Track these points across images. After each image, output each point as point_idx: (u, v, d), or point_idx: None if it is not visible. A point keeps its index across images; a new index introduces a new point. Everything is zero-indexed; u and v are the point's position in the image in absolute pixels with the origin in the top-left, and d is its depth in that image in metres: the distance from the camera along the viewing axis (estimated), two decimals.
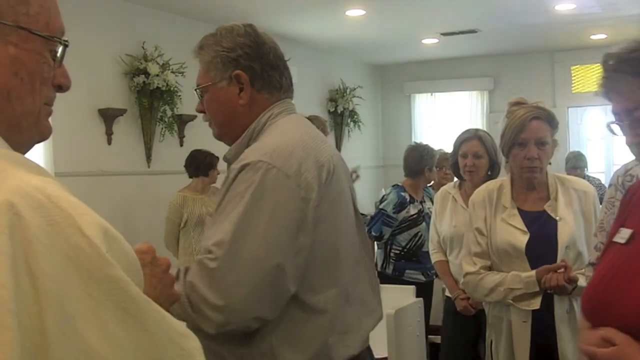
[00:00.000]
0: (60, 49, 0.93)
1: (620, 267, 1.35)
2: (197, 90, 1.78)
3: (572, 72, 9.04)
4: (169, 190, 5.23)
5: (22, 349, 0.64)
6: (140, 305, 0.73)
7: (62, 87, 0.95)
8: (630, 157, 2.04)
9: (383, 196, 4.77)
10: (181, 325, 0.81)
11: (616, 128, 1.40)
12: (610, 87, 1.38)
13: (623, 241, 1.43)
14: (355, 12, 6.38)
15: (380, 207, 4.59)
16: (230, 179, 1.60)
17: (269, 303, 1.54)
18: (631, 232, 1.42)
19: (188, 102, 5.72)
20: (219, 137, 1.81)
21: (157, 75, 5.45)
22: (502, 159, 2.91)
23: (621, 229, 1.47)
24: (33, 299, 0.66)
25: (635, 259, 1.36)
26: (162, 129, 5.73)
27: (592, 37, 8.03)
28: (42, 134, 0.93)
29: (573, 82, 9.06)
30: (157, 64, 5.50)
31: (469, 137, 3.60)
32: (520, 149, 2.56)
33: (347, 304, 1.66)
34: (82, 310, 0.68)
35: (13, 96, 0.86)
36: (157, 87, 5.45)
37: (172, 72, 5.56)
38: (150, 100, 5.54)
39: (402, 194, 4.55)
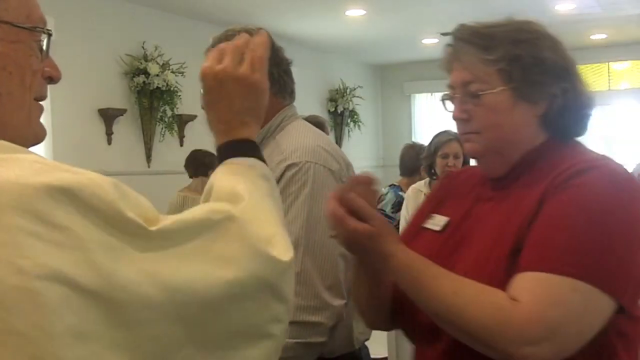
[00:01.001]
0: (45, 40, 0.93)
1: (437, 255, 1.30)
2: None
3: None
4: (169, 190, 5.23)
5: (65, 304, 0.67)
6: (161, 233, 0.78)
7: (52, 79, 0.95)
8: (631, 158, 2.02)
9: (380, 196, 4.78)
10: (204, 206, 0.87)
11: (448, 103, 1.35)
12: (455, 56, 1.33)
13: (438, 228, 1.39)
14: (355, 12, 6.38)
15: (379, 207, 4.60)
16: (275, 178, 1.66)
17: (342, 290, 1.68)
18: (447, 220, 1.39)
19: (188, 102, 5.72)
20: None
21: (157, 75, 5.45)
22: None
23: (434, 215, 1.43)
24: (74, 247, 0.69)
25: (451, 247, 1.33)
26: (162, 129, 5.74)
27: (592, 37, 8.02)
28: (37, 135, 0.94)
29: None
30: (157, 64, 5.50)
31: (451, 139, 3.83)
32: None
33: None
34: (115, 244, 0.73)
35: (3, 92, 0.86)
36: (157, 87, 5.46)
37: (172, 72, 5.56)
38: (150, 100, 5.54)
39: (400, 193, 4.57)
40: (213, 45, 1.82)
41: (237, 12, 6.10)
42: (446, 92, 1.36)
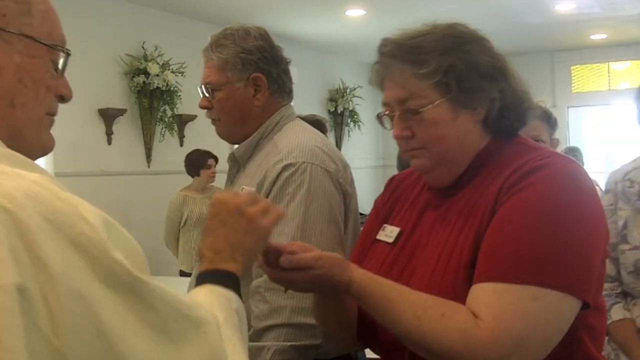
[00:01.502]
0: (62, 59, 0.95)
1: (391, 269, 1.30)
2: (207, 87, 1.81)
3: (572, 72, 9.05)
4: (169, 190, 5.23)
5: (31, 335, 0.65)
6: (144, 284, 0.75)
7: (64, 98, 0.98)
8: (630, 157, 2.00)
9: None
10: (187, 296, 0.84)
11: (386, 120, 1.32)
12: (384, 74, 1.29)
13: (390, 240, 1.37)
14: (355, 12, 6.39)
15: None
16: (272, 178, 1.65)
17: None
18: (398, 231, 1.37)
19: (188, 102, 5.72)
20: (226, 135, 1.86)
21: (157, 75, 5.45)
22: None
23: (385, 225, 1.41)
24: (42, 284, 0.67)
25: (404, 260, 1.31)
26: (162, 129, 5.73)
27: (592, 37, 8.02)
28: (44, 147, 0.95)
29: (573, 82, 9.07)
30: (157, 64, 5.50)
31: None
32: None
33: None
34: (92, 292, 0.70)
35: (17, 103, 0.88)
36: (157, 87, 5.45)
37: (172, 72, 5.56)
38: (150, 100, 5.54)
39: None
40: (211, 44, 1.82)
41: (237, 12, 6.10)
42: (382, 111, 1.32)
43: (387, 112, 1.31)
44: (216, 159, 5.26)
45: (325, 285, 1.23)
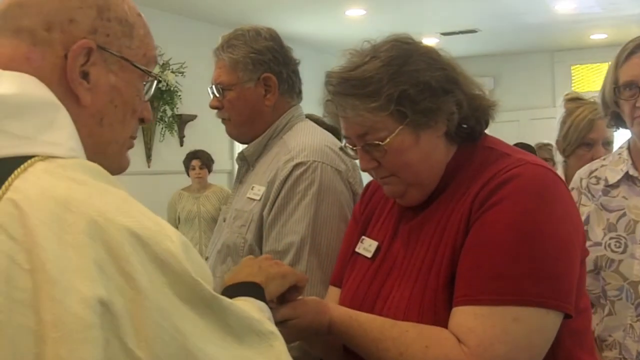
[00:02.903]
0: (150, 84, 0.99)
1: (370, 285, 1.30)
2: (218, 87, 1.82)
3: (572, 72, 9.04)
4: (169, 190, 5.24)
5: (111, 347, 0.67)
6: (220, 302, 0.79)
7: (144, 121, 1.00)
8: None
9: None
10: (255, 312, 0.88)
11: (350, 151, 1.31)
12: (337, 111, 1.27)
13: (369, 255, 1.35)
14: (355, 12, 6.39)
15: None
16: (283, 177, 1.67)
17: None
18: (377, 245, 1.36)
19: (188, 102, 5.72)
20: (236, 135, 1.88)
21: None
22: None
23: (364, 238, 1.40)
24: (128, 298, 0.69)
25: (383, 276, 1.30)
26: (162, 129, 5.73)
27: (592, 37, 8.03)
28: (121, 167, 0.98)
29: (573, 82, 9.06)
30: (157, 64, 5.49)
31: None
32: (586, 149, 2.44)
33: None
34: (173, 307, 0.73)
35: (106, 122, 0.91)
36: (157, 87, 5.45)
37: (172, 72, 5.56)
38: (150, 100, 5.50)
39: None
40: (222, 45, 1.83)
41: (237, 12, 6.10)
42: (345, 142, 1.32)
43: (349, 145, 1.30)
44: (204, 160, 5.31)
45: (306, 333, 1.24)
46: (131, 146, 0.99)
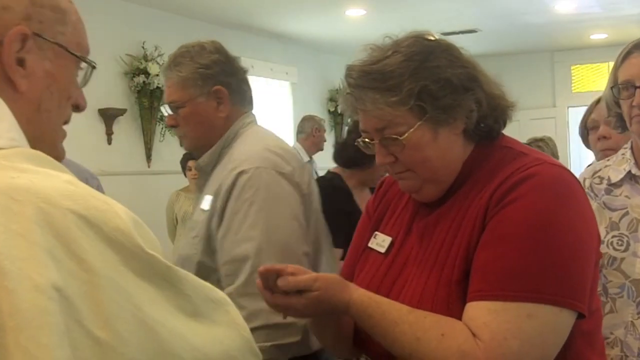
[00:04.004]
0: (86, 71, 0.98)
1: (383, 280, 1.30)
2: (171, 105, 1.87)
3: (572, 71, 9.05)
4: (169, 190, 5.23)
5: (71, 331, 0.67)
6: (176, 273, 0.80)
7: (78, 108, 1.00)
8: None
9: None
10: (206, 283, 0.88)
11: (366, 146, 1.30)
12: (356, 104, 1.26)
13: (382, 250, 1.36)
14: (355, 12, 6.39)
15: None
16: (228, 186, 1.69)
17: None
18: (390, 240, 1.36)
19: None
20: (194, 148, 1.92)
21: (157, 75, 5.45)
22: None
23: (377, 233, 1.40)
24: (83, 281, 0.69)
25: (397, 270, 1.31)
26: (162, 129, 5.73)
27: (592, 37, 8.03)
28: (57, 157, 0.96)
29: (573, 81, 9.07)
30: (157, 64, 5.50)
31: None
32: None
33: None
34: (129, 283, 0.73)
35: (43, 109, 0.91)
36: (157, 87, 5.46)
37: None
38: (150, 100, 5.54)
39: None
40: (169, 64, 1.88)
41: (236, 12, 6.10)
42: (362, 137, 1.30)
43: (366, 140, 1.29)
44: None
45: (324, 308, 1.23)
46: (64, 135, 0.99)
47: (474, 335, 1.11)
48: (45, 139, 0.92)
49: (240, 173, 1.69)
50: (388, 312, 1.19)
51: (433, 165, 1.25)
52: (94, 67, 1.00)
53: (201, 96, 1.82)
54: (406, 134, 1.22)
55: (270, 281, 1.22)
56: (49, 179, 0.75)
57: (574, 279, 1.14)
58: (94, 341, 0.68)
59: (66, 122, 0.98)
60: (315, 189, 1.84)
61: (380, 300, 1.21)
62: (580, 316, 1.15)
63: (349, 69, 1.27)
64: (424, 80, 1.21)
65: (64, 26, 0.93)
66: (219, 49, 1.89)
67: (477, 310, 1.13)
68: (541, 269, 1.12)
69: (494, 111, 1.28)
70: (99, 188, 2.29)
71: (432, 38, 1.28)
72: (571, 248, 1.15)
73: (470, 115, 1.24)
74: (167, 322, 0.76)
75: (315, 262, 1.76)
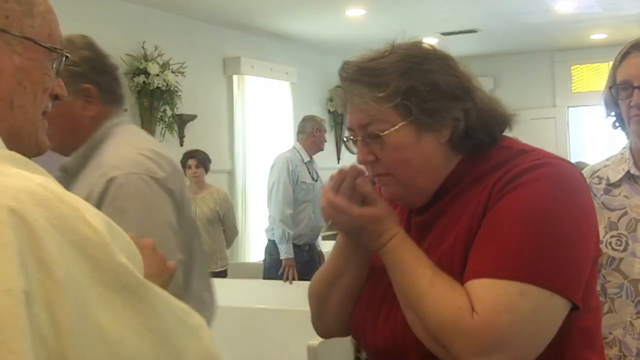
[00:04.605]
0: (59, 61, 0.96)
1: (384, 278, 1.28)
2: None
3: (572, 71, 9.05)
4: None
5: (34, 339, 0.65)
6: (147, 288, 0.76)
7: (58, 97, 0.99)
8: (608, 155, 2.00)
9: None
10: (183, 304, 0.84)
11: (352, 145, 1.29)
12: (345, 98, 1.27)
13: None
14: (355, 12, 6.38)
15: None
16: (98, 193, 1.59)
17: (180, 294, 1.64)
18: None
19: (188, 102, 5.72)
20: (60, 149, 1.78)
21: (157, 75, 5.45)
22: None
23: None
24: (45, 288, 0.67)
25: None
26: (162, 129, 5.73)
27: (592, 37, 8.03)
28: (40, 149, 0.96)
29: (573, 81, 9.07)
30: (157, 64, 5.50)
31: None
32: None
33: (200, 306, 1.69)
34: (93, 296, 0.70)
35: (16, 105, 0.89)
36: (157, 87, 5.45)
37: (172, 72, 5.56)
38: (150, 100, 5.54)
39: None
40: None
41: (236, 12, 6.10)
42: (347, 135, 1.31)
43: (351, 137, 1.30)
44: (200, 159, 5.31)
45: (372, 231, 1.23)
46: (45, 126, 0.97)
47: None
48: (22, 133, 0.91)
49: (112, 179, 1.59)
50: (419, 257, 1.21)
51: (412, 170, 1.25)
52: (66, 57, 0.98)
53: (68, 95, 1.74)
54: (387, 131, 1.22)
55: (344, 182, 1.24)
56: (21, 182, 0.72)
57: (568, 268, 1.14)
58: (49, 352, 0.66)
59: (44, 112, 0.96)
60: (188, 195, 1.78)
61: (416, 246, 1.23)
62: (575, 308, 1.15)
63: (345, 64, 1.29)
64: (413, 81, 1.21)
65: (31, 18, 0.91)
66: (89, 45, 1.80)
67: (471, 287, 1.13)
68: (536, 253, 1.12)
69: (486, 125, 1.27)
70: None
71: (431, 47, 1.29)
72: (569, 237, 1.15)
73: (457, 125, 1.24)
74: (129, 342, 0.72)
75: (189, 269, 1.71)
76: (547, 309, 1.13)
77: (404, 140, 1.23)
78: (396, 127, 1.22)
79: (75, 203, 0.74)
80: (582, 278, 1.17)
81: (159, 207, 1.63)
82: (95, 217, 0.74)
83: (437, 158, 1.26)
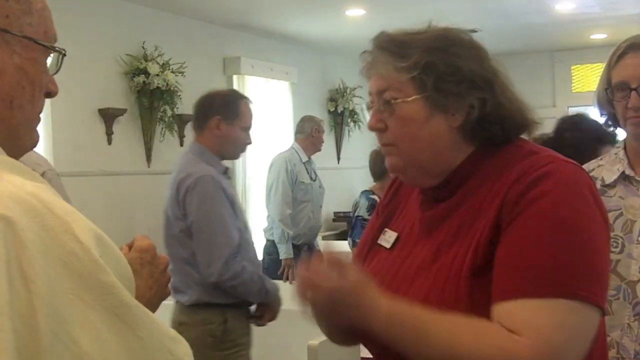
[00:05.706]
0: (53, 58, 0.95)
1: (387, 274, 1.29)
2: None
3: (572, 71, 9.05)
4: None
5: (18, 352, 0.64)
6: (131, 310, 0.74)
7: (50, 94, 0.98)
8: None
9: (355, 204, 4.84)
10: (171, 330, 0.82)
11: (370, 112, 1.29)
12: (372, 64, 1.30)
13: (388, 245, 1.36)
14: (355, 12, 6.38)
15: (356, 214, 4.67)
16: None
17: None
18: (396, 236, 1.36)
19: (188, 102, 5.71)
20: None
21: (157, 75, 5.44)
22: None
23: (386, 230, 1.40)
24: (26, 302, 0.66)
25: (399, 266, 1.30)
26: (162, 129, 5.73)
27: (592, 37, 8.03)
28: (33, 144, 0.96)
29: (573, 81, 9.06)
30: (157, 63, 5.49)
31: None
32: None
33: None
34: (74, 315, 0.69)
35: (15, 104, 0.88)
36: (157, 87, 5.45)
37: (172, 72, 5.55)
38: (150, 100, 5.54)
39: (371, 196, 4.66)
40: None
41: (236, 12, 6.10)
42: (369, 101, 1.32)
43: (370, 104, 1.32)
44: None
45: (349, 305, 1.17)
46: (39, 121, 0.96)
47: (511, 332, 1.10)
48: (19, 133, 0.90)
49: None
50: (418, 316, 1.15)
51: (417, 146, 1.25)
52: (64, 55, 0.97)
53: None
54: (400, 100, 1.24)
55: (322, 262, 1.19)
56: (12, 189, 0.72)
57: (599, 278, 1.16)
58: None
59: (39, 111, 0.96)
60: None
61: (408, 305, 1.18)
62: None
63: (381, 33, 1.31)
64: (435, 58, 1.23)
65: (30, 17, 0.90)
66: None
67: (514, 309, 1.12)
68: (572, 266, 1.13)
69: (502, 120, 1.27)
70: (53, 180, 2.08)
71: (467, 36, 1.31)
72: (598, 247, 1.17)
73: (470, 112, 1.24)
74: None
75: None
76: (590, 321, 1.14)
77: (414, 115, 1.24)
78: (409, 98, 1.23)
79: (65, 215, 0.72)
80: (607, 283, 1.19)
81: None
82: (85, 231, 0.72)
83: (445, 140, 1.26)
